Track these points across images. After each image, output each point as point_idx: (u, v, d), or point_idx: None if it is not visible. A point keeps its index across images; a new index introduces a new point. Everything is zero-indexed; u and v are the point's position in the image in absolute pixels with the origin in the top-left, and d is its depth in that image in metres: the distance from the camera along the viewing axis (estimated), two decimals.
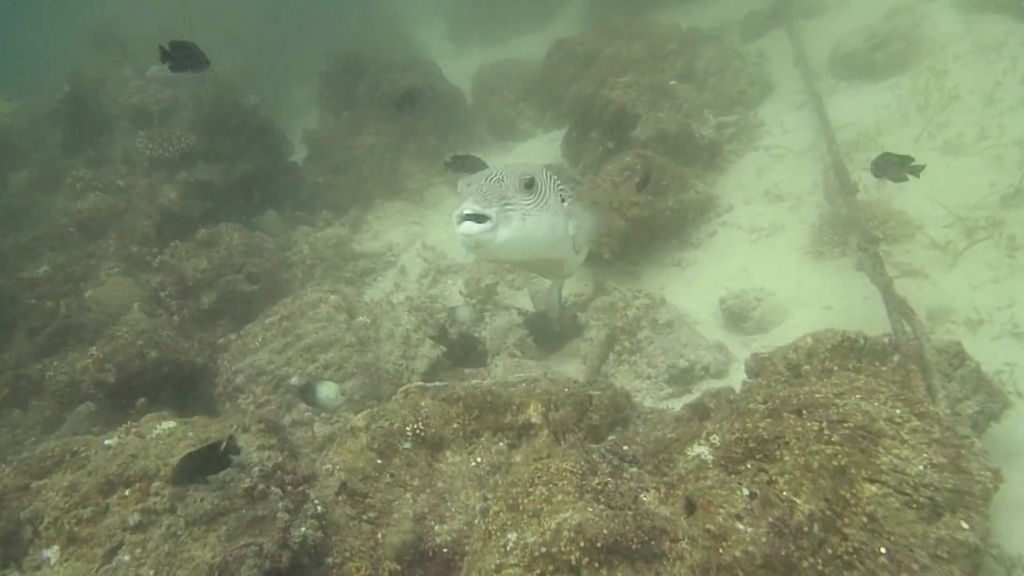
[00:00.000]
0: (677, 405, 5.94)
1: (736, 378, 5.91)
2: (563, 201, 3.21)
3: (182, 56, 4.68)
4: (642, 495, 3.28)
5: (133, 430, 4.12)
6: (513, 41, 17.35)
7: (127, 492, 3.61)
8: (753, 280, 7.08)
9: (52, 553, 3.41)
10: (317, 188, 11.37)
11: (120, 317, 6.76)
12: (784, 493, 2.95)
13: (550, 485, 3.32)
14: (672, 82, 9.32)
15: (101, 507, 3.54)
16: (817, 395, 3.37)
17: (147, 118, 11.26)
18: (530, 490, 3.35)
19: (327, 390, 4.96)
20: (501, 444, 4.40)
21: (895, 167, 5.03)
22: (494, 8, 18.41)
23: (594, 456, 3.57)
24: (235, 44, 18.14)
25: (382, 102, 11.92)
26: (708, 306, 7.13)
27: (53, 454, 3.94)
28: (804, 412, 3.27)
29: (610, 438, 4.03)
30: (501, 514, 3.37)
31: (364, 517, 3.94)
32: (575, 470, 3.36)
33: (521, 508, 3.31)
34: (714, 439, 3.39)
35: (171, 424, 4.20)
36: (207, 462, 3.45)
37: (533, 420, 4.44)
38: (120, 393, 5.72)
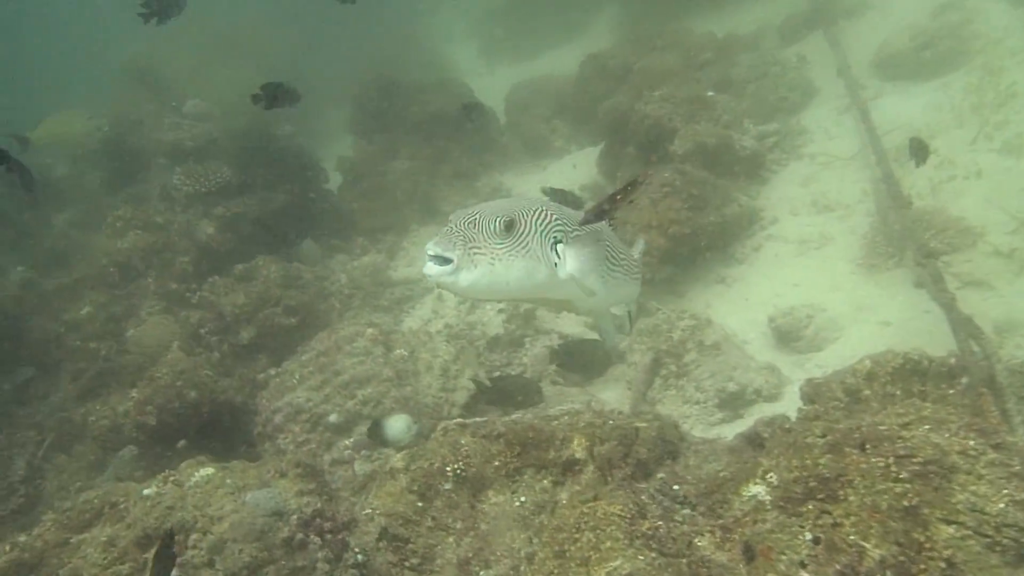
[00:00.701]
0: (729, 432, 5.77)
1: (790, 401, 5.72)
2: (556, 242, 3.06)
3: (274, 95, 4.84)
4: (696, 540, 3.13)
5: (171, 479, 4.09)
6: (546, 55, 17.32)
7: None
8: (803, 296, 6.87)
9: None
10: (352, 215, 11.43)
11: (160, 357, 6.82)
12: (851, 537, 2.78)
13: (598, 531, 3.19)
14: (709, 93, 9.16)
15: (140, 563, 3.51)
16: (881, 427, 3.19)
17: (183, 154, 11.47)
18: (577, 536, 3.24)
19: (398, 424, 4.85)
20: (545, 482, 4.28)
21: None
22: (525, 22, 18.41)
23: (643, 497, 3.43)
24: (266, 75, 18.43)
25: (414, 125, 11.98)
26: (756, 325, 6.94)
27: (92, 506, 3.93)
28: (868, 446, 3.09)
29: (659, 475, 3.88)
30: (547, 562, 3.26)
31: (406, 564, 3.85)
32: (623, 514, 3.23)
33: (568, 555, 3.20)
34: (771, 477, 3.22)
35: (209, 471, 4.17)
36: None
37: (578, 456, 4.30)
38: (162, 435, 5.75)
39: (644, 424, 4.44)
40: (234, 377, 7.03)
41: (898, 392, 3.93)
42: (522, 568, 3.73)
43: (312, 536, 3.71)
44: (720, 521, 3.20)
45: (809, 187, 8.21)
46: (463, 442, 4.31)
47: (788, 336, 6.50)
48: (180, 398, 5.78)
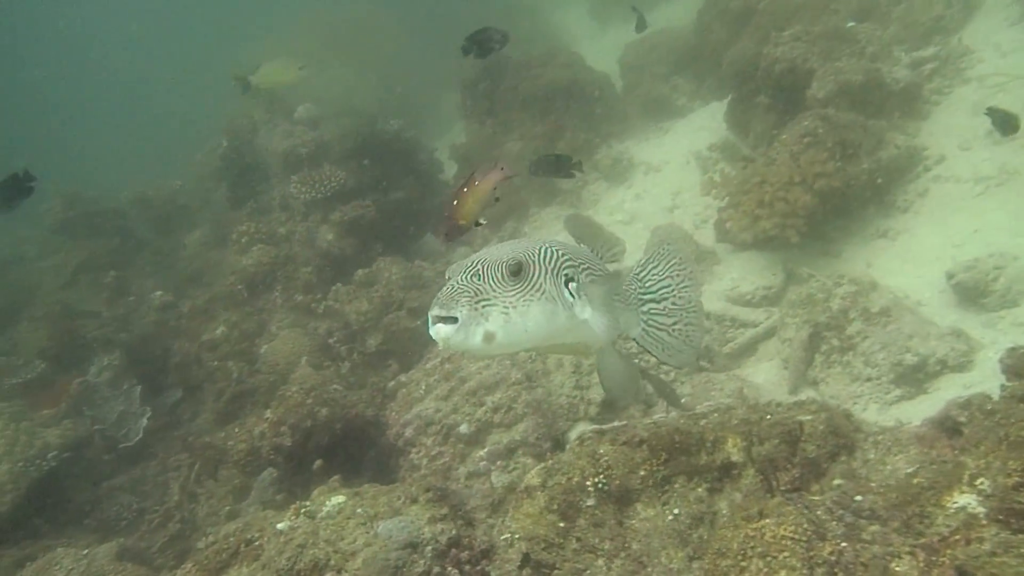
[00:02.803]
0: (910, 411, 5.16)
1: (985, 370, 5.04)
2: (570, 281, 2.81)
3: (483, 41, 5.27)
4: (894, 565, 2.70)
5: (303, 510, 4.06)
6: (660, 8, 16.51)
7: None
8: (987, 243, 6.06)
9: None
10: None
11: (290, 374, 6.95)
12: None
13: (768, 559, 2.82)
14: (849, 24, 8.30)
15: None
16: None
17: (297, 162, 11.75)
18: (743, 564, 2.88)
19: None
20: (700, 490, 3.91)
21: None
22: None
23: (819, 513, 3.01)
24: (372, 71, 18.69)
25: (525, 102, 11.69)
26: (931, 283, 6.21)
27: (228, 546, 3.95)
28: None
29: (836, 481, 3.43)
30: None
31: None
32: (798, 536, 2.84)
33: None
34: (982, 484, 2.73)
35: (340, 499, 4.11)
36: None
37: (733, 458, 3.91)
38: (297, 455, 5.82)
39: (809, 416, 3.97)
40: (366, 387, 7.06)
41: None
42: None
43: (449, 568, 3.55)
44: (922, 540, 2.73)
45: (981, 115, 7.26)
46: (602, 451, 4.02)
47: (973, 292, 5.74)
48: (312, 416, 5.82)
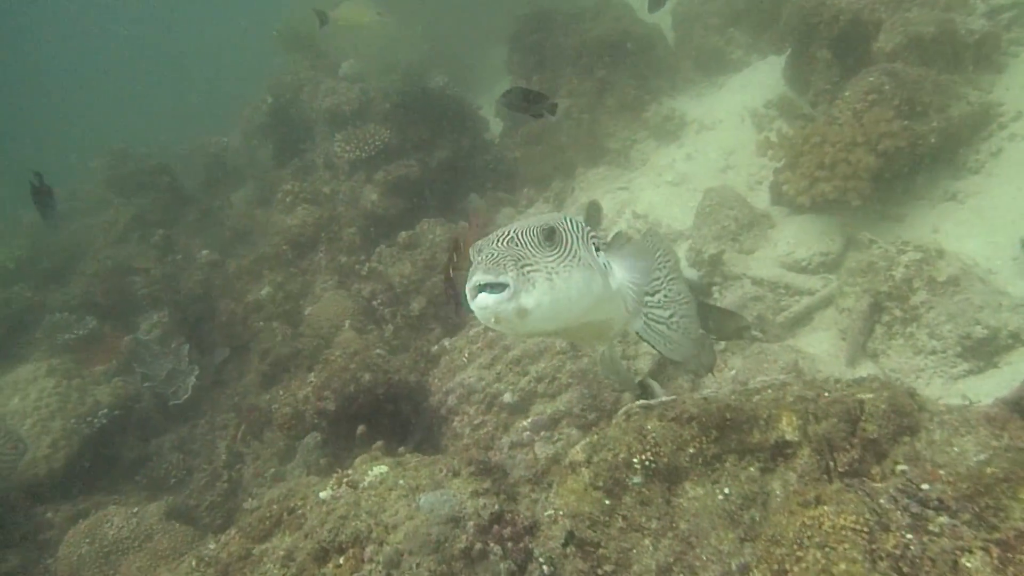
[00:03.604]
0: (979, 386, 4.94)
1: None
2: (596, 250, 2.68)
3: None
4: (964, 560, 2.55)
5: (345, 480, 4.05)
6: None
7: (341, 560, 3.51)
8: None
9: None
10: (515, 164, 11.16)
11: (334, 337, 6.96)
12: None
13: (827, 549, 2.70)
14: None
15: None
16: None
17: (342, 119, 11.68)
18: (800, 554, 2.76)
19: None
20: (752, 469, 3.79)
21: None
22: None
23: (882, 501, 2.87)
24: (416, 23, 18.41)
25: (573, 57, 11.38)
26: (1004, 249, 5.90)
27: (271, 514, 3.96)
28: None
29: (900, 468, 3.27)
30: None
31: (599, 572, 3.55)
32: (859, 526, 2.71)
33: None
34: None
35: (383, 469, 4.09)
36: None
37: (788, 437, 3.77)
38: (341, 420, 5.84)
39: (870, 395, 3.80)
40: (409, 351, 7.04)
41: None
42: None
43: (492, 545, 3.50)
44: (996, 535, 2.58)
45: None
46: (649, 427, 3.90)
47: None
48: (355, 381, 5.82)
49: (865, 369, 5.52)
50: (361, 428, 5.73)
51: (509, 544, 3.52)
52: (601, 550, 3.61)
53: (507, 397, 5.18)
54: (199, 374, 9.09)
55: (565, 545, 3.59)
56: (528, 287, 2.44)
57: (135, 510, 6.15)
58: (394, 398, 5.92)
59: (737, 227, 7.30)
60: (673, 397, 4.32)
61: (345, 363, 5.93)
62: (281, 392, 6.41)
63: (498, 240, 2.55)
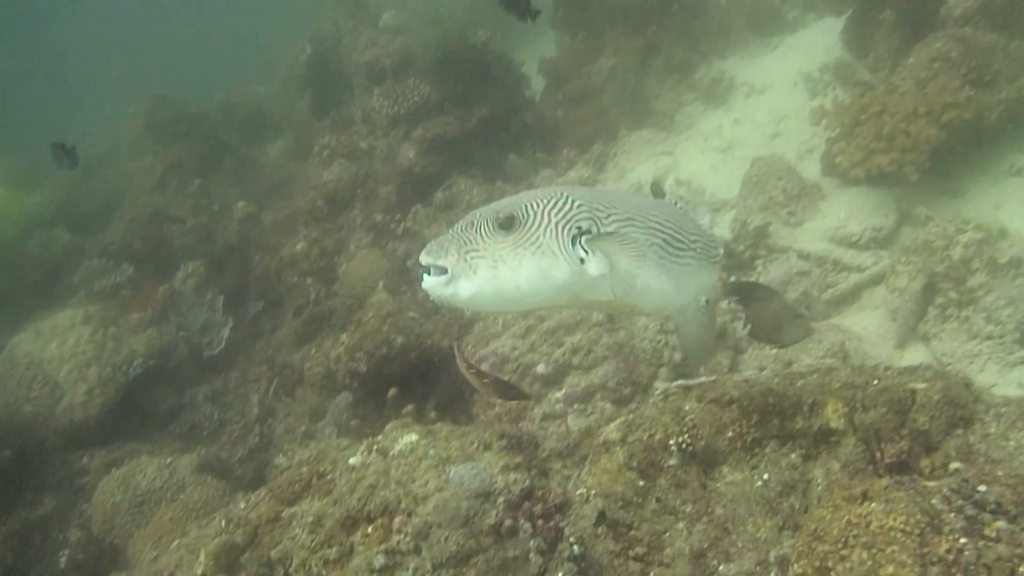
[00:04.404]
0: None
1: None
2: (581, 233, 2.54)
3: None
4: (1023, 569, 2.44)
5: (375, 447, 4.04)
6: None
7: (370, 529, 3.51)
8: None
9: None
10: (557, 124, 10.95)
11: (367, 298, 6.94)
12: None
13: (873, 550, 2.60)
14: None
15: (346, 547, 3.47)
16: None
17: (381, 73, 11.53)
18: (844, 552, 2.66)
19: None
20: (793, 456, 3.70)
21: None
22: None
23: (934, 502, 2.75)
24: None
25: (621, 14, 11.06)
26: None
27: (301, 476, 3.97)
28: None
29: (954, 466, 3.16)
30: None
31: (630, 553, 3.51)
32: (909, 528, 2.60)
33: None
34: None
35: (413, 437, 4.07)
36: None
37: (833, 425, 3.67)
38: (372, 381, 5.84)
39: (923, 384, 3.68)
40: (442, 314, 7.00)
41: None
42: (772, 574, 3.23)
43: (522, 521, 3.47)
44: None
45: None
46: (688, 408, 3.83)
47: None
48: (387, 344, 5.80)
49: (915, 352, 5.35)
50: (392, 391, 5.73)
51: (539, 522, 3.48)
52: (633, 531, 3.57)
53: (541, 368, 5.12)
54: (233, 326, 9.18)
55: (596, 525, 3.55)
56: (468, 273, 2.45)
57: (168, 461, 6.26)
58: (426, 362, 5.90)
59: (785, 198, 7.09)
60: (712, 378, 4.23)
61: (378, 325, 5.91)
62: (314, 351, 6.43)
63: (463, 223, 2.55)
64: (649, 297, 2.77)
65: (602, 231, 2.58)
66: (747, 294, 3.87)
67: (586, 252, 2.55)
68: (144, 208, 11.56)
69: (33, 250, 11.77)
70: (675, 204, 3.08)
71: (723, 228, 7.67)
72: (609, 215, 2.62)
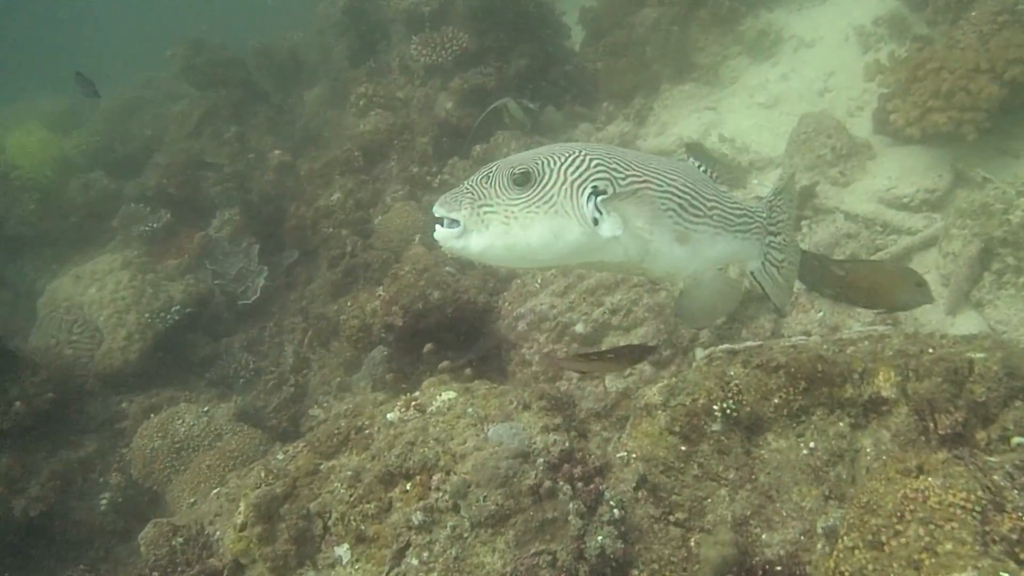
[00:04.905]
0: None
1: None
2: (596, 193, 2.50)
3: None
4: None
5: (413, 403, 4.01)
6: None
7: (408, 486, 3.50)
8: None
9: (343, 552, 3.43)
10: (596, 76, 10.69)
11: (403, 252, 6.89)
12: None
13: (931, 526, 2.52)
14: None
15: (384, 502, 3.48)
16: None
17: (419, 21, 11.30)
18: (899, 527, 2.59)
19: None
20: (841, 424, 3.62)
21: None
22: None
23: (996, 477, 2.66)
24: None
25: None
26: None
27: (339, 430, 3.97)
28: None
29: (1017, 440, 3.04)
30: (856, 552, 2.68)
31: (671, 519, 3.47)
32: (970, 505, 2.52)
33: (887, 551, 2.58)
34: None
35: (451, 395, 4.04)
36: None
37: (884, 394, 3.57)
38: (408, 336, 5.81)
39: (981, 354, 3.54)
40: (477, 268, 6.93)
41: None
42: (819, 546, 3.17)
43: (562, 483, 3.43)
44: None
45: None
46: (732, 373, 3.74)
47: None
48: (424, 298, 5.75)
49: (967, 319, 5.20)
50: (428, 346, 5.70)
51: (579, 484, 3.44)
52: (674, 496, 3.52)
53: (579, 327, 5.04)
54: (268, 275, 9.21)
55: (637, 489, 3.50)
56: (481, 228, 2.45)
57: (206, 409, 6.33)
58: (462, 318, 5.85)
59: (834, 156, 6.87)
60: (759, 343, 4.13)
61: (415, 279, 5.86)
62: (349, 303, 6.40)
63: (479, 175, 2.53)
64: (661, 261, 2.73)
65: (618, 191, 2.54)
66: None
67: (600, 213, 2.52)
68: (180, 154, 11.54)
69: (72, 193, 11.86)
70: (700, 168, 2.98)
71: (767, 187, 7.48)
72: (626, 176, 2.58)
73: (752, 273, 3.15)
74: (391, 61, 11.69)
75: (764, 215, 3.06)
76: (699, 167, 2.95)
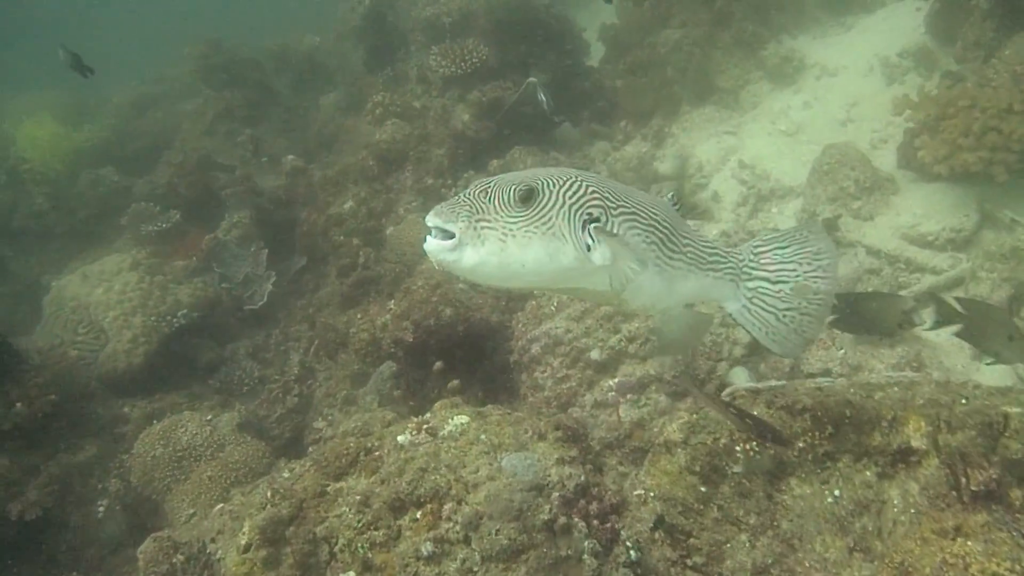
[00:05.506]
0: None
1: None
2: (591, 221, 2.50)
3: None
4: None
5: (425, 427, 3.92)
6: None
7: (418, 514, 3.40)
8: None
9: None
10: (615, 94, 10.63)
11: (416, 265, 6.81)
12: None
13: None
14: None
15: (393, 530, 3.38)
16: None
17: (440, 31, 11.27)
18: None
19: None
20: (868, 473, 3.51)
21: None
22: None
23: None
24: None
25: None
26: None
27: (348, 451, 3.87)
28: None
29: None
30: None
31: (688, 563, 3.37)
32: (1015, 573, 2.42)
33: None
34: None
35: (464, 419, 3.95)
36: None
37: (914, 444, 3.47)
38: (417, 352, 5.72)
39: (1017, 409, 3.43)
40: (488, 294, 6.85)
41: None
42: None
43: (576, 520, 3.33)
44: None
45: None
46: (756, 414, 3.64)
47: None
48: (435, 315, 5.66)
49: (993, 367, 5.10)
50: (438, 364, 5.61)
51: (595, 522, 3.35)
52: (692, 539, 3.42)
53: (595, 354, 4.94)
54: (276, 281, 9.13)
55: (654, 530, 3.40)
56: (476, 243, 2.40)
57: (209, 418, 6.24)
58: (474, 337, 5.77)
59: (857, 190, 6.78)
60: (783, 383, 4.03)
61: (427, 295, 5.78)
62: (360, 316, 6.32)
63: (477, 188, 2.48)
64: (641, 294, 2.73)
65: (611, 221, 2.55)
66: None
67: (593, 240, 2.50)
68: (192, 153, 11.49)
69: (81, 188, 11.80)
70: (673, 205, 2.95)
71: (787, 218, 7.40)
72: (617, 206, 2.58)
73: (731, 314, 3.10)
74: (409, 70, 11.66)
75: (743, 258, 3.00)
76: (673, 205, 2.92)
